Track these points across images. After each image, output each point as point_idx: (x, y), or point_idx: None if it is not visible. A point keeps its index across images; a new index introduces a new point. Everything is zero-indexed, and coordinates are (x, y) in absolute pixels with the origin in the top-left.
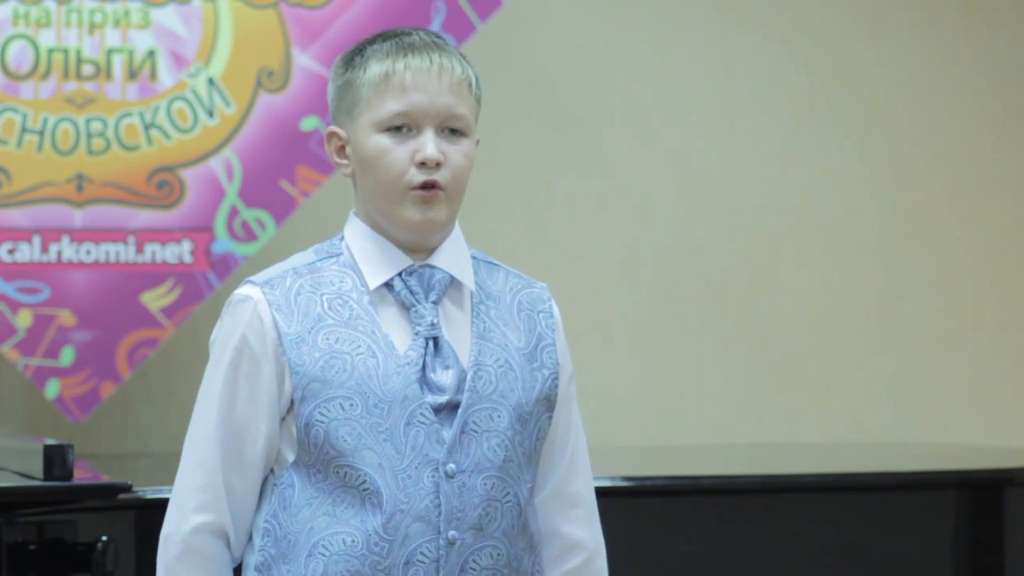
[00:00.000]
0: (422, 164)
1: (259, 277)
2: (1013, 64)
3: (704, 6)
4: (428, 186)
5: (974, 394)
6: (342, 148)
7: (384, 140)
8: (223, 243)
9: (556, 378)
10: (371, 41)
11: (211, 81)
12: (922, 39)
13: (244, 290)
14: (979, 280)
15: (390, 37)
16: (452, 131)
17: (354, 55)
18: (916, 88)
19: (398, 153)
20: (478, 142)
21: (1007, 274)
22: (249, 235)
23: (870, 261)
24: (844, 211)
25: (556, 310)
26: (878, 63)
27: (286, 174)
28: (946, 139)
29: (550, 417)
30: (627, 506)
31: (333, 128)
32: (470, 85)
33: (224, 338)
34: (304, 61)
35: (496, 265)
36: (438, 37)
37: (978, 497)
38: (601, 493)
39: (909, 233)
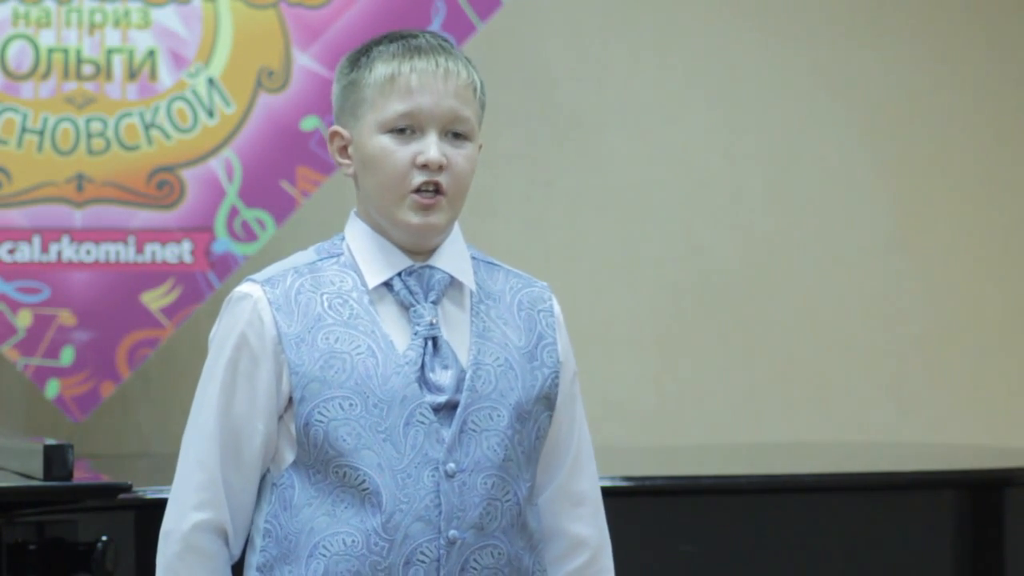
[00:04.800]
0: (424, 166)
1: (260, 275)
2: (1013, 64)
3: (704, 6)
4: (429, 188)
5: (974, 394)
6: (344, 148)
7: (387, 141)
8: (223, 243)
9: (556, 377)
10: (377, 42)
11: (211, 81)
12: (922, 39)
13: (244, 288)
14: (979, 280)
15: (397, 39)
16: (456, 135)
17: (360, 55)
18: (916, 88)
19: (400, 154)
20: (481, 147)
21: (1007, 274)
22: (249, 235)
23: (870, 261)
24: (844, 211)
25: (557, 309)
26: (878, 63)
27: (286, 174)
28: (946, 139)
29: (550, 416)
30: (627, 506)
31: (336, 128)
32: (475, 90)
33: (223, 335)
34: (304, 61)
35: (496, 265)
36: (445, 40)
37: (978, 497)
38: (601, 493)
39: (909, 233)
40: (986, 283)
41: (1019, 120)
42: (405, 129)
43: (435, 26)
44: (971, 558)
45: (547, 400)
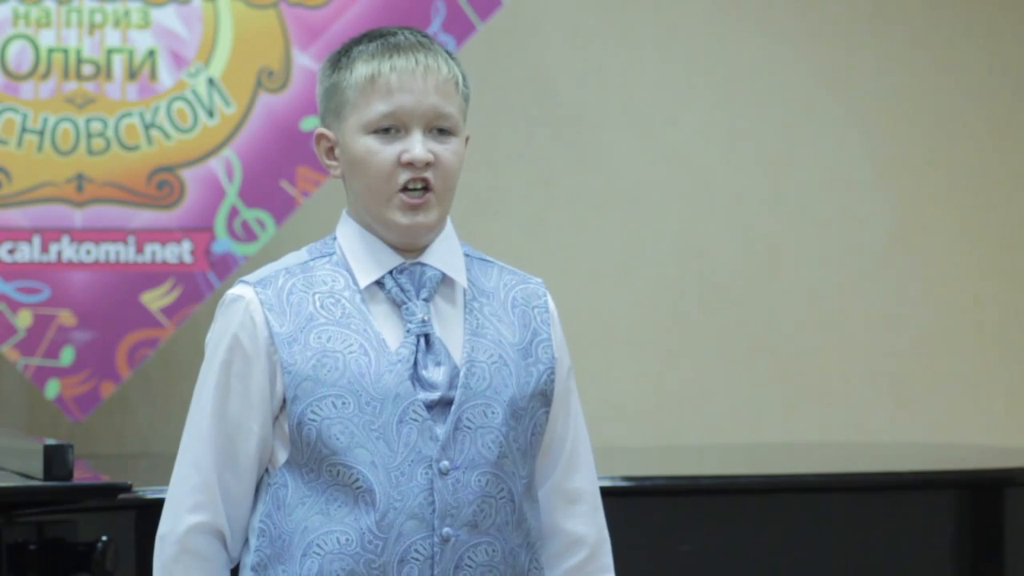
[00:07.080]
0: (409, 164)
1: (252, 277)
2: (1013, 64)
3: (704, 6)
4: (417, 187)
5: (974, 394)
6: (331, 150)
7: (371, 142)
8: (223, 243)
9: (552, 373)
10: (357, 42)
11: (211, 81)
12: (922, 39)
13: (236, 290)
14: (979, 280)
15: (375, 38)
16: (440, 131)
17: (340, 56)
18: (916, 88)
19: (385, 154)
20: (468, 139)
21: (1007, 274)
22: (249, 235)
23: (870, 261)
24: (844, 211)
25: (552, 305)
26: (878, 63)
27: (286, 174)
28: (946, 139)
29: (546, 412)
30: (627, 506)
31: (322, 130)
32: (457, 84)
33: (217, 338)
34: (304, 61)
35: (490, 262)
36: (424, 36)
37: (978, 497)
38: (601, 493)
39: (909, 233)
40: (986, 283)
41: (1018, 120)
42: (389, 129)
43: (435, 26)
44: (971, 558)
45: (543, 396)
